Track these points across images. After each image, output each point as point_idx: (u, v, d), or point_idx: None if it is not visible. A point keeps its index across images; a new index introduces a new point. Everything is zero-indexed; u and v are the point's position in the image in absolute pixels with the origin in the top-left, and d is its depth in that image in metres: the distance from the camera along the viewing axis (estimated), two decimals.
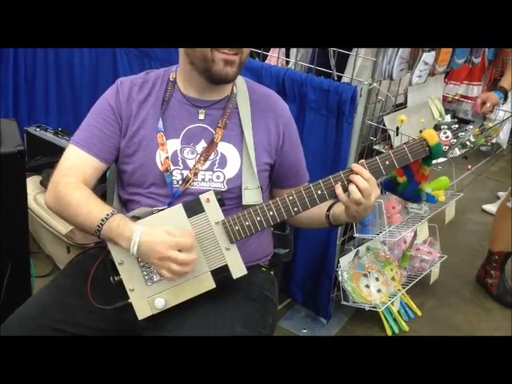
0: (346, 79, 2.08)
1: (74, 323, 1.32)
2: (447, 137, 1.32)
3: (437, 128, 1.33)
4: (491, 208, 3.60)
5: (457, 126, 1.33)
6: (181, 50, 1.39)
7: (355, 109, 1.99)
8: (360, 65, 2.08)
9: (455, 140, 1.32)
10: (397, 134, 2.07)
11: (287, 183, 1.51)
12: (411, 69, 2.04)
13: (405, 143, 1.32)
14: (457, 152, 1.35)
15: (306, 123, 2.08)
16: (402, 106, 2.30)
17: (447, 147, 1.32)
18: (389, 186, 1.47)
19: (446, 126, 1.33)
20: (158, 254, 1.22)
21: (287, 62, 2.34)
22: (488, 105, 2.44)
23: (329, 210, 1.41)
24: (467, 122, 1.34)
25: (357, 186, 1.26)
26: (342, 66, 2.16)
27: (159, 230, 1.25)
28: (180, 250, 1.23)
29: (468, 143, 1.35)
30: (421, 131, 2.21)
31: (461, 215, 3.39)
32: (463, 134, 1.33)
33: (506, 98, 2.59)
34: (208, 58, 1.31)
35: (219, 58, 1.31)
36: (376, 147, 2.19)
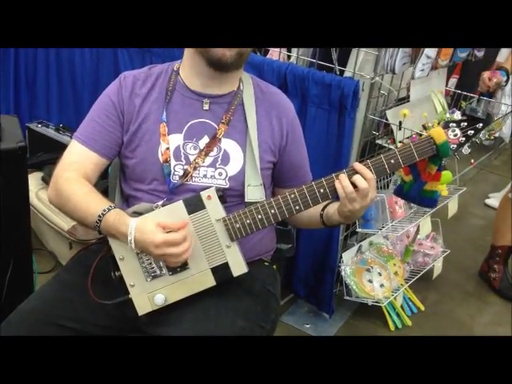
0: (348, 73, 2.07)
1: (77, 319, 1.32)
2: (456, 135, 1.28)
3: (445, 126, 1.30)
4: (494, 202, 3.59)
5: (466, 123, 1.29)
6: None
7: (357, 103, 1.98)
8: (362, 59, 2.06)
9: (464, 138, 1.29)
10: (399, 129, 2.06)
11: (288, 183, 1.49)
12: (413, 63, 2.03)
13: (411, 141, 1.29)
14: (467, 150, 1.31)
15: (307, 118, 2.07)
16: (404, 100, 2.30)
17: (455, 145, 1.29)
18: (396, 190, 1.44)
19: (454, 124, 1.29)
20: (151, 252, 1.24)
21: (289, 57, 2.33)
22: (494, 80, 2.45)
23: (323, 209, 1.40)
24: (477, 120, 1.29)
25: (354, 184, 1.25)
26: (343, 60, 2.15)
27: (150, 226, 1.23)
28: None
29: (477, 141, 1.31)
30: (423, 125, 2.21)
31: (464, 210, 3.39)
32: (472, 131, 1.29)
33: (507, 80, 2.59)
34: None
35: None
36: (379, 142, 2.18)
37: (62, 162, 1.41)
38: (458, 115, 1.30)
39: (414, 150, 1.28)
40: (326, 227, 1.45)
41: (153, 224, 1.24)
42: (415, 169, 1.33)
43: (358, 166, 1.27)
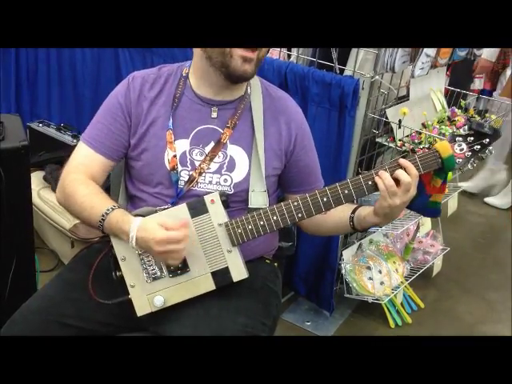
0: (348, 72, 2.08)
1: (80, 317, 1.33)
2: (462, 149, 1.27)
3: (452, 140, 1.29)
4: (494, 201, 3.60)
5: (472, 138, 1.28)
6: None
7: (357, 102, 1.99)
8: (362, 58, 2.07)
9: (470, 153, 1.28)
10: (399, 127, 2.07)
11: (298, 188, 1.47)
12: (413, 61, 2.04)
13: (416, 154, 1.28)
14: (472, 164, 1.30)
15: (308, 117, 2.08)
16: (404, 98, 2.30)
17: (461, 160, 1.28)
18: None
19: (461, 138, 1.28)
20: (152, 249, 1.24)
21: (289, 56, 2.34)
22: None
23: (353, 212, 1.38)
24: (484, 135, 1.28)
25: (397, 178, 1.24)
26: (343, 58, 2.16)
27: (152, 224, 1.24)
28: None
29: (483, 156, 1.31)
30: (423, 124, 2.23)
31: (463, 208, 3.40)
32: (479, 146, 1.28)
33: None
34: (226, 52, 1.28)
35: (237, 55, 1.28)
36: (378, 140, 2.19)
37: (69, 163, 1.41)
38: (465, 129, 1.29)
39: (418, 163, 1.26)
40: (356, 231, 1.42)
41: (154, 223, 1.24)
42: (420, 182, 1.30)
43: (402, 160, 1.25)
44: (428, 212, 1.41)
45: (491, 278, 2.85)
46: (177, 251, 1.24)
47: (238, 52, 1.28)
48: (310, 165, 1.50)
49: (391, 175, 1.25)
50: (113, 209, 1.29)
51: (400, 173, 1.24)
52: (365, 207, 1.37)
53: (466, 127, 1.29)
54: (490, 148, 1.29)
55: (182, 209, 1.30)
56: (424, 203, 1.35)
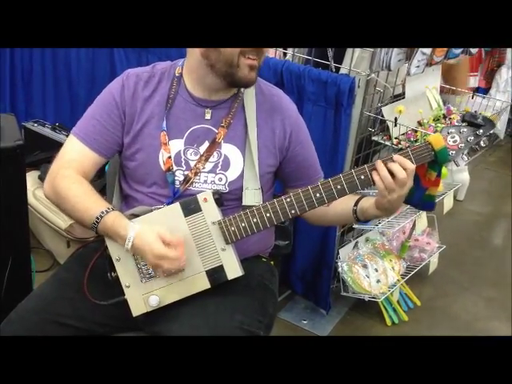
0: (344, 70, 2.08)
1: (76, 317, 1.33)
2: (455, 141, 1.27)
3: (445, 132, 1.28)
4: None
5: (465, 130, 1.28)
6: (194, 51, 1.35)
7: (353, 100, 1.99)
8: (358, 56, 2.08)
9: (463, 144, 1.28)
10: (395, 125, 2.07)
11: (298, 182, 1.47)
12: (409, 59, 2.05)
13: (409, 147, 1.28)
14: (465, 158, 1.30)
15: (304, 115, 2.07)
16: (400, 96, 2.31)
17: (454, 152, 1.28)
18: None
19: (453, 130, 1.28)
20: (148, 261, 1.26)
21: (285, 54, 2.34)
22: None
23: (356, 204, 1.38)
24: (477, 126, 1.28)
25: (393, 173, 1.24)
26: (339, 57, 2.16)
27: (151, 234, 1.25)
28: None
29: (477, 147, 1.30)
30: (419, 122, 2.23)
31: (459, 205, 3.41)
32: (472, 138, 1.28)
33: None
34: (234, 63, 1.29)
35: (245, 64, 1.29)
36: (374, 138, 2.19)
37: (60, 158, 1.40)
38: (458, 121, 1.29)
39: (411, 156, 1.26)
40: (360, 222, 1.44)
41: (153, 234, 1.25)
42: (415, 175, 1.29)
43: (397, 157, 1.25)
44: (424, 205, 1.41)
45: (487, 275, 2.86)
46: (169, 270, 1.27)
47: (245, 62, 1.29)
48: (308, 159, 1.50)
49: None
50: (107, 211, 1.29)
51: (396, 169, 1.24)
52: (367, 198, 1.37)
53: (460, 119, 1.29)
54: (484, 139, 1.29)
55: (175, 208, 1.30)
56: (421, 196, 1.36)
